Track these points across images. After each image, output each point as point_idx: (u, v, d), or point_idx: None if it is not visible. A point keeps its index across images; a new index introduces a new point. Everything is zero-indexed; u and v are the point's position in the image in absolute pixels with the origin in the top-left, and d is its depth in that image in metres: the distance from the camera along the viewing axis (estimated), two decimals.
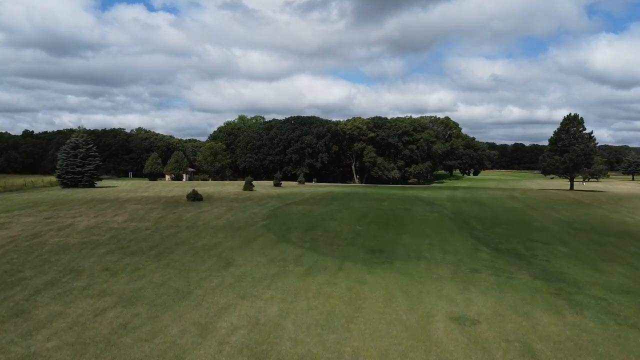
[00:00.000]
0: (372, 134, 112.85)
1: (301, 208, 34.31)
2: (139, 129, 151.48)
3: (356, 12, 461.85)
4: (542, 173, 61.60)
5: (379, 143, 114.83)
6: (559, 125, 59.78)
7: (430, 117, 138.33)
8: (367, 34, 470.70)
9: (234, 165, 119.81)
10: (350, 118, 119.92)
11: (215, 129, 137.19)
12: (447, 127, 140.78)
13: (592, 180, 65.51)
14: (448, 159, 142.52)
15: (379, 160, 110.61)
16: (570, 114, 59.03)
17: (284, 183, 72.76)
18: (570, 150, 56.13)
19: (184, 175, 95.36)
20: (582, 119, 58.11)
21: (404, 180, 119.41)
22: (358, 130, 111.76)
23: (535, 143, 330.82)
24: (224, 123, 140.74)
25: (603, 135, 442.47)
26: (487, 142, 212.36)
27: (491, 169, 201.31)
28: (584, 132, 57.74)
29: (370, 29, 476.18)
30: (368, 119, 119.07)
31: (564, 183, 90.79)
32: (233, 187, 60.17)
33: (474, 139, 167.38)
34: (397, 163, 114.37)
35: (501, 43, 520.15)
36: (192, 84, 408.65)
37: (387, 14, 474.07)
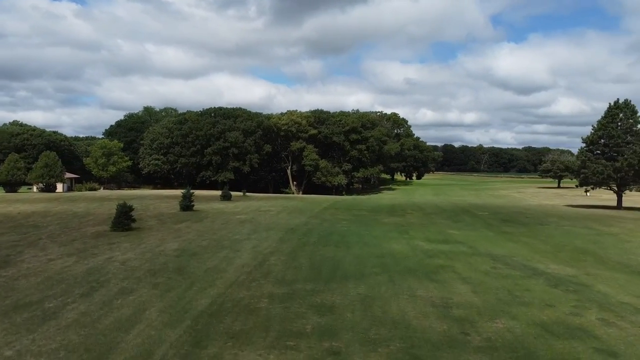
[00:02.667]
0: (313, 131, 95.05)
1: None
2: (14, 122, 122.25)
3: (275, 10, 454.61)
4: (580, 185, 46.46)
5: (322, 142, 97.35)
6: (600, 117, 44.94)
7: (377, 112, 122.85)
8: (286, 34, 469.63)
9: (135, 169, 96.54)
10: (286, 111, 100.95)
11: (113, 124, 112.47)
12: (395, 125, 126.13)
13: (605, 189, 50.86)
14: (395, 160, 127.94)
15: (323, 163, 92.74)
16: (617, 99, 44.52)
17: (201, 194, 52.56)
18: (627, 152, 41.33)
19: (61, 185, 71.54)
20: (632, 105, 43.66)
21: (348, 186, 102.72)
22: (296, 126, 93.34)
23: (465, 144, 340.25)
24: (125, 115, 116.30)
25: (507, 138, 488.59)
26: None
27: (434, 172, 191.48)
28: (635, 126, 43.26)
29: (290, 29, 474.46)
30: (308, 112, 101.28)
31: (576, 194, 77.98)
32: (155, 202, 39.20)
33: (418, 138, 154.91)
34: (343, 167, 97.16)
35: (415, 48, 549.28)
36: (103, 79, 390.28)
37: (306, 15, 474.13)
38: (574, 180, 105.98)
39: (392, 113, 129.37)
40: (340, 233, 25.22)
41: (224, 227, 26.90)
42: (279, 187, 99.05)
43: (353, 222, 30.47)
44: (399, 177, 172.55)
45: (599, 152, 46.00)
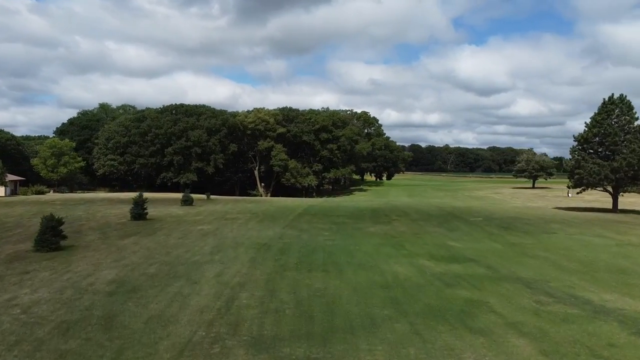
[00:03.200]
0: (281, 130, 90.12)
1: None
2: None
3: (238, 9, 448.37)
4: (574, 186, 43.13)
5: (291, 141, 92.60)
6: (593, 114, 41.82)
7: (347, 111, 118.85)
8: (250, 33, 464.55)
9: (89, 171, 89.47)
10: (252, 109, 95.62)
11: (65, 121, 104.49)
12: (366, 124, 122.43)
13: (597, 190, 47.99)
14: (366, 160, 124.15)
15: (292, 163, 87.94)
16: (612, 95, 41.44)
17: (160, 197, 47.05)
18: (625, 150, 38.22)
19: (3, 189, 64.36)
20: (628, 101, 40.66)
21: (318, 187, 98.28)
22: (264, 124, 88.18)
23: (431, 144, 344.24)
24: (79, 113, 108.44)
25: (469, 138, 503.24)
26: None
27: (404, 172, 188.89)
28: (632, 123, 40.21)
29: (254, 28, 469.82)
30: (276, 109, 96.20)
31: (556, 195, 75.47)
32: (105, 207, 33.41)
33: (389, 138, 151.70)
34: (313, 167, 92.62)
35: (379, 49, 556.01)
36: (60, 77, 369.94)
37: (270, 14, 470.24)
38: (550, 179, 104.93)
39: (362, 112, 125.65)
40: (325, 249, 20.63)
41: (181, 242, 21.91)
42: (246, 188, 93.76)
43: (336, 233, 25.95)
44: (369, 177, 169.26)
45: (592, 151, 42.96)
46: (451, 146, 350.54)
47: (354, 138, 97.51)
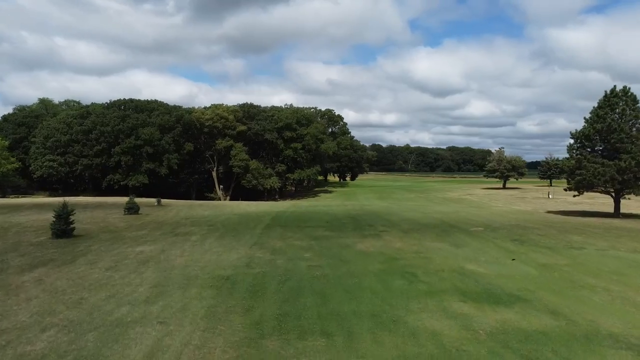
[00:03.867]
0: (242, 127, 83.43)
1: None
2: None
3: (194, 6, 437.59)
4: (575, 189, 38.59)
5: (252, 140, 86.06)
6: (594, 107, 37.47)
7: (311, 108, 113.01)
8: (207, 31, 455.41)
9: (26, 173, 80.00)
10: (210, 105, 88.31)
11: None
12: (331, 122, 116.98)
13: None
14: (331, 160, 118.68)
15: (254, 164, 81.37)
16: (614, 87, 37.15)
17: (103, 202, 39.78)
18: (634, 148, 33.98)
19: None
20: (632, 94, 36.41)
21: (280, 189, 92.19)
22: (223, 121, 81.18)
23: (391, 144, 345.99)
24: (14, 108, 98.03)
25: (425, 138, 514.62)
26: None
27: (368, 172, 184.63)
28: (638, 117, 35.99)
29: (210, 26, 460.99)
30: (236, 106, 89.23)
31: (535, 197, 71.66)
32: (29, 217, 26.07)
33: (353, 137, 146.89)
34: (276, 168, 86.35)
35: (337, 49, 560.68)
36: (5, 74, 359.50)
37: (227, 12, 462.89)
38: (520, 179, 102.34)
39: (326, 109, 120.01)
40: (314, 286, 14.68)
41: (108, 278, 15.45)
42: (203, 191, 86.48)
43: (320, 255, 20.04)
44: (332, 177, 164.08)
45: (590, 149, 38.72)
46: (412, 146, 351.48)
47: (319, 137, 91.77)
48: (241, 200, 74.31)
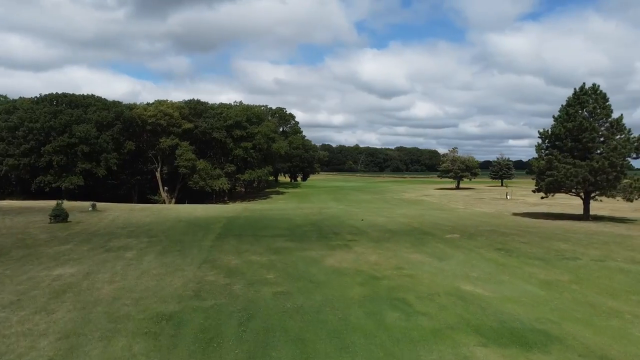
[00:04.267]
0: (188, 125, 78.22)
1: None
2: None
3: (136, 1, 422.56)
4: (546, 190, 36.72)
5: (200, 138, 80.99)
6: (562, 105, 35.82)
7: (262, 106, 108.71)
8: (150, 28, 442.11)
9: None
10: (154, 101, 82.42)
11: None
12: (282, 120, 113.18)
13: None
14: (282, 160, 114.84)
15: (201, 164, 76.43)
16: (584, 84, 35.58)
17: (29, 207, 34.34)
18: (604, 148, 32.43)
19: None
20: (602, 92, 34.94)
21: (230, 191, 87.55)
22: (167, 118, 75.71)
23: (340, 144, 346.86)
24: None
25: (372, 139, 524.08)
26: None
27: (319, 172, 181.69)
28: (609, 116, 34.52)
29: (153, 22, 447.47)
30: (182, 102, 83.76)
31: (492, 198, 70.50)
32: None
33: (305, 136, 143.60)
34: (225, 168, 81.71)
35: (284, 49, 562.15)
36: None
37: (170, 8, 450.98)
38: (473, 179, 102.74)
39: (277, 108, 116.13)
40: (288, 331, 11.12)
41: (4, 321, 11.21)
42: (146, 193, 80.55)
43: (286, 276, 16.48)
44: (283, 178, 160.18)
45: (558, 150, 37.11)
46: (359, 146, 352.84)
47: (270, 136, 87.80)
48: (188, 202, 69.38)
